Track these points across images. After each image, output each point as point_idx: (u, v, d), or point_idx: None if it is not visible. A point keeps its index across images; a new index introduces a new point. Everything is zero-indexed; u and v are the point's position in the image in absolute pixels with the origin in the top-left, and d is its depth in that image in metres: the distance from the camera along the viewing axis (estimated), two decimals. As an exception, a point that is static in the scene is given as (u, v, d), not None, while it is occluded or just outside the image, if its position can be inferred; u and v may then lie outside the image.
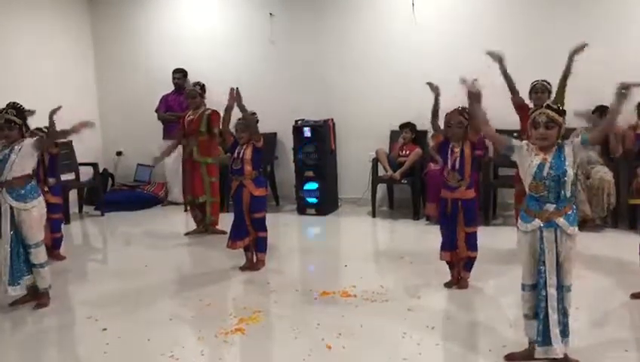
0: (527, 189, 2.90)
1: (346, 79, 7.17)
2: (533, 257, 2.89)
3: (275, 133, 7.40)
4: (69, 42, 8.01)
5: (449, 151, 4.06)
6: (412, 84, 6.83)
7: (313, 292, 4.24)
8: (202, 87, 6.02)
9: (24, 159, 3.98)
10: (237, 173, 4.72)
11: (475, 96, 3.19)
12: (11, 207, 3.98)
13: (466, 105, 6.04)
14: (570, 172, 2.79)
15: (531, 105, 4.66)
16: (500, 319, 3.62)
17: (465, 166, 4.00)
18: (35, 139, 4.07)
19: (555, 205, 2.81)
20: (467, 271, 4.16)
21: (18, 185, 3.97)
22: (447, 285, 4.20)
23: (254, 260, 4.80)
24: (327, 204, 6.87)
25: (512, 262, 4.64)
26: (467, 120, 4.00)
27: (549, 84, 4.79)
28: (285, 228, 6.40)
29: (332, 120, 7.00)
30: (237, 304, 4.03)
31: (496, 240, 5.16)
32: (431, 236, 4.78)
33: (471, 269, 4.16)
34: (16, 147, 3.98)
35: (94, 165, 7.39)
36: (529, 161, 2.84)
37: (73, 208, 7.16)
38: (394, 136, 6.84)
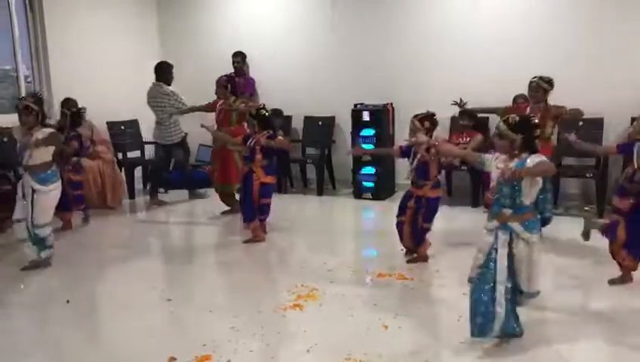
0: None
1: (406, 64, 7.10)
2: (485, 254, 2.99)
3: (333, 117, 7.43)
4: (135, 24, 8.26)
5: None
6: (473, 70, 6.74)
7: (369, 273, 4.30)
8: (228, 79, 6.12)
9: (40, 149, 4.24)
10: (247, 159, 4.85)
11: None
12: (32, 189, 4.27)
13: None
14: (525, 183, 2.89)
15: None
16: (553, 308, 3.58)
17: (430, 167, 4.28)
18: (48, 133, 4.27)
19: (511, 210, 2.93)
20: None
21: (40, 170, 4.27)
22: None
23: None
24: (384, 188, 6.87)
25: (569, 254, 4.57)
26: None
27: (546, 82, 4.80)
28: (341, 212, 6.44)
29: (391, 104, 6.95)
30: (295, 282, 4.11)
31: (557, 230, 5.05)
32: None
33: None
34: (34, 135, 4.23)
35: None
36: (494, 167, 3.03)
37: (138, 184, 7.47)
38: (454, 122, 6.75)
